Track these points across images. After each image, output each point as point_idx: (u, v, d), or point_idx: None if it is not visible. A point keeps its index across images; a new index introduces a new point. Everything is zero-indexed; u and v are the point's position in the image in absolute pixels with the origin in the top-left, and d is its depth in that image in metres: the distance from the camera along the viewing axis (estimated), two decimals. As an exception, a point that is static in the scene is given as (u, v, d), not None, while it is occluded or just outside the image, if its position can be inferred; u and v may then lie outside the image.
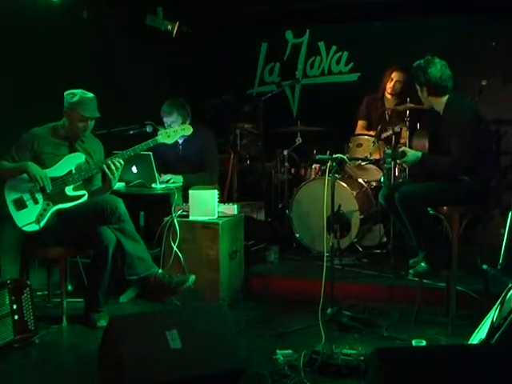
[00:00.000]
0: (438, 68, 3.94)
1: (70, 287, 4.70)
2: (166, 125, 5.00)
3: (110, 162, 4.14)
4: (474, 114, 4.02)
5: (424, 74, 3.96)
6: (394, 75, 5.90)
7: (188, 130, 4.57)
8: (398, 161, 4.24)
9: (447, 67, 3.98)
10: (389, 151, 4.68)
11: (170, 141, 4.41)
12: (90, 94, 4.19)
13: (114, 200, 4.11)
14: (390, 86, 5.93)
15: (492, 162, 4.20)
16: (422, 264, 4.01)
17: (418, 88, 4.06)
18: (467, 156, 3.87)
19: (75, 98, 4.15)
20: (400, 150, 4.15)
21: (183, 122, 4.96)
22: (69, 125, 4.22)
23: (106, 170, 4.14)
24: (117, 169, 4.15)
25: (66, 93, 4.21)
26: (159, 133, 4.42)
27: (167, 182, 5.00)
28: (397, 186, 4.11)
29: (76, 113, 4.15)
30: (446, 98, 4.00)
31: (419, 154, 4.03)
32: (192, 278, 4.26)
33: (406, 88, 5.76)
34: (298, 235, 5.64)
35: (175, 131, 4.45)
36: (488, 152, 4.07)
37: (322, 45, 7.13)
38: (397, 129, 5.42)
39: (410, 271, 4.16)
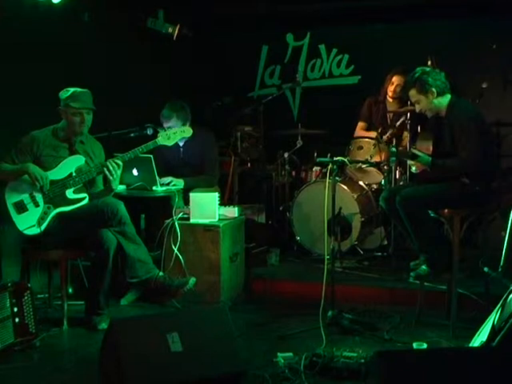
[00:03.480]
0: (429, 69, 4.09)
1: (70, 290, 4.69)
2: (166, 129, 4.97)
3: (108, 163, 4.14)
4: (477, 115, 4.04)
5: (423, 79, 4.01)
6: (395, 79, 5.89)
7: (188, 132, 4.57)
8: (408, 162, 4.23)
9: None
10: (393, 149, 4.64)
11: (170, 142, 4.40)
12: (84, 90, 4.21)
13: (114, 203, 4.11)
14: (390, 89, 5.92)
15: (493, 164, 4.20)
16: (423, 267, 4.01)
17: (422, 98, 4.05)
18: (475, 157, 3.89)
19: (67, 94, 4.18)
20: (410, 151, 4.15)
21: (183, 125, 4.95)
22: (66, 123, 4.22)
23: (105, 171, 4.13)
24: (115, 169, 4.13)
25: (60, 93, 4.23)
26: (159, 134, 4.41)
27: (168, 184, 4.99)
28: (398, 189, 4.12)
29: (69, 107, 4.16)
30: (448, 99, 4.02)
31: (429, 158, 4.03)
32: (192, 280, 4.26)
33: (407, 91, 5.75)
34: (298, 238, 5.63)
35: (175, 133, 4.44)
36: (489, 154, 4.07)
37: (322, 47, 7.14)
38: (398, 132, 5.42)
39: (411, 274, 4.16)
